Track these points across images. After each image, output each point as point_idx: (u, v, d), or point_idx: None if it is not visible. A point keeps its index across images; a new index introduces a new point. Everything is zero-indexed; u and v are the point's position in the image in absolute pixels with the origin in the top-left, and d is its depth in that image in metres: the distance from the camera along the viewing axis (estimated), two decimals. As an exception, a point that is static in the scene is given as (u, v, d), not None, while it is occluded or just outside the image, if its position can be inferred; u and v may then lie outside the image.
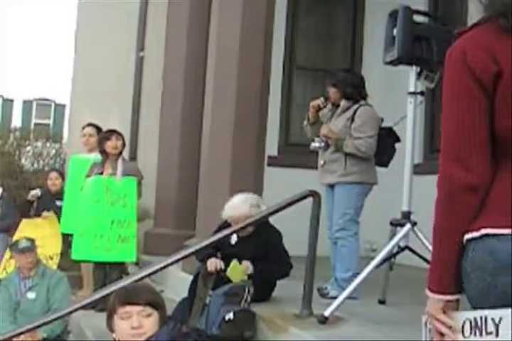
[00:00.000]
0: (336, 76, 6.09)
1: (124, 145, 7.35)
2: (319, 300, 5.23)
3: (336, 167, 5.76)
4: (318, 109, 6.00)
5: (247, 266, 5.37)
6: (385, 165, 5.86)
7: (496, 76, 2.03)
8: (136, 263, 7.87)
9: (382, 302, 5.45)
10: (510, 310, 1.96)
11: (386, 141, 5.74)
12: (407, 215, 4.93)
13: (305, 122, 6.13)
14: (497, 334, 1.97)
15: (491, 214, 2.07)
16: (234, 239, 5.64)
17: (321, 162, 5.91)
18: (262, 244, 5.55)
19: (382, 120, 5.83)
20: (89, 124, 8.20)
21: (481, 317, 2.01)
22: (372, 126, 5.74)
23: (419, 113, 7.88)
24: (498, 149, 2.10)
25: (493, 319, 1.98)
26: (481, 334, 2.01)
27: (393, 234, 4.99)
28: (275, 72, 8.34)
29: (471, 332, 2.03)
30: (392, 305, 5.42)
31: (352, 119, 5.76)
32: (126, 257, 7.11)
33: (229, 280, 5.27)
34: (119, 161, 7.21)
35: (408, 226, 4.85)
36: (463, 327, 2.06)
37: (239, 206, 5.58)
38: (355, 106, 5.83)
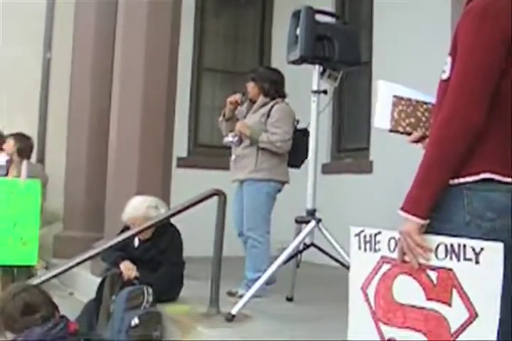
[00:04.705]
0: (257, 71, 6.10)
1: (22, 148, 7.30)
2: (227, 299, 5.25)
3: (247, 162, 5.72)
4: (236, 104, 5.95)
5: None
6: (298, 166, 5.84)
7: None
8: (46, 267, 7.73)
9: (289, 299, 5.50)
10: (495, 243, 2.10)
11: (301, 142, 5.66)
12: (311, 213, 4.98)
13: (220, 118, 6.06)
14: (477, 262, 2.13)
15: (493, 161, 2.27)
16: (136, 242, 5.60)
17: (233, 157, 5.88)
18: (163, 246, 5.50)
19: (297, 121, 5.82)
20: None
21: (458, 244, 2.17)
22: (289, 122, 5.72)
23: (327, 112, 8.01)
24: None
25: (473, 248, 2.13)
26: (458, 259, 2.17)
27: (299, 232, 5.02)
28: (183, 74, 8.34)
29: (445, 255, 2.21)
30: (300, 302, 5.48)
31: (268, 115, 5.73)
32: (27, 260, 6.82)
33: (133, 284, 5.24)
34: (24, 164, 7.14)
35: (313, 223, 4.89)
36: (436, 249, 2.23)
37: (137, 207, 5.53)
38: (272, 103, 5.81)
